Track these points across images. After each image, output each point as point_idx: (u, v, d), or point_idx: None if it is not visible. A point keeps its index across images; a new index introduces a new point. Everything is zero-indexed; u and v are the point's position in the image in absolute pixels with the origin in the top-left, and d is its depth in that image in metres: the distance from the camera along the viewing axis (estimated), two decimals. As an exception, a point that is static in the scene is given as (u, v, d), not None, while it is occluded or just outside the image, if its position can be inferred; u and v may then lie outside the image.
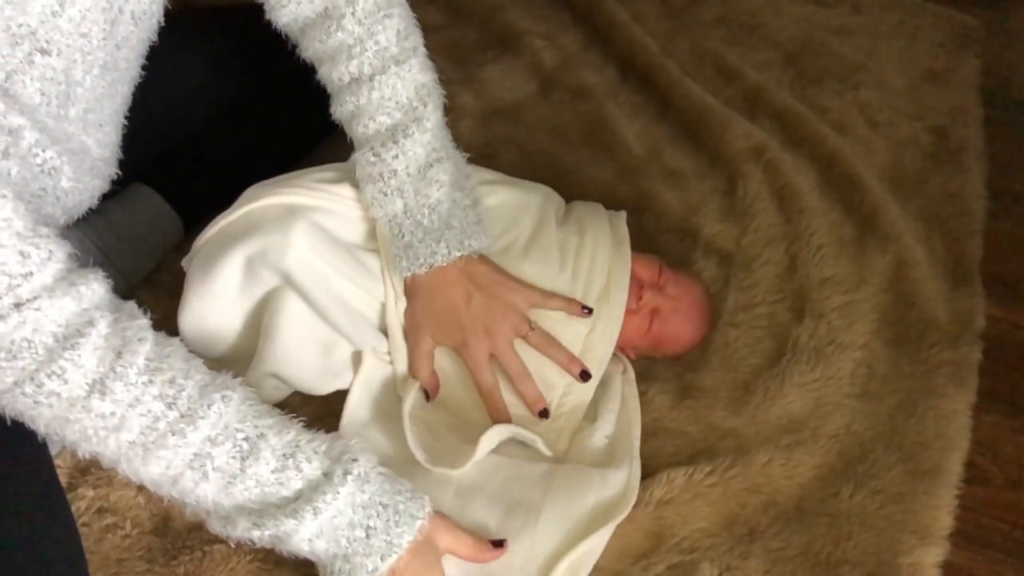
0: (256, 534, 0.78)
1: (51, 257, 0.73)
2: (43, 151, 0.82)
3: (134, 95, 0.94)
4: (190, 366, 0.78)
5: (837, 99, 1.37)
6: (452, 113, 1.30)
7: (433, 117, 0.95)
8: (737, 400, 1.03)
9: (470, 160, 1.00)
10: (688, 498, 0.94)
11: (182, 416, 0.76)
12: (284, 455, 0.78)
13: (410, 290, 0.96)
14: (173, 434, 0.75)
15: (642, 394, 1.03)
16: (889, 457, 0.98)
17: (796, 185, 1.21)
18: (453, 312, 0.95)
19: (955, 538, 0.94)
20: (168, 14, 0.90)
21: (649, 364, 1.06)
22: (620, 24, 1.46)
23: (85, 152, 0.88)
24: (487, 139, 1.30)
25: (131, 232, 1.07)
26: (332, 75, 0.94)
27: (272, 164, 1.05)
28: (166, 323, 1.02)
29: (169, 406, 0.75)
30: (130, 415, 0.74)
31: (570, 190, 1.13)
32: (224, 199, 0.98)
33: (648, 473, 0.96)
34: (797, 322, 1.09)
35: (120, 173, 0.97)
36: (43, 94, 0.79)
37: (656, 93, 1.37)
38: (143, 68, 0.92)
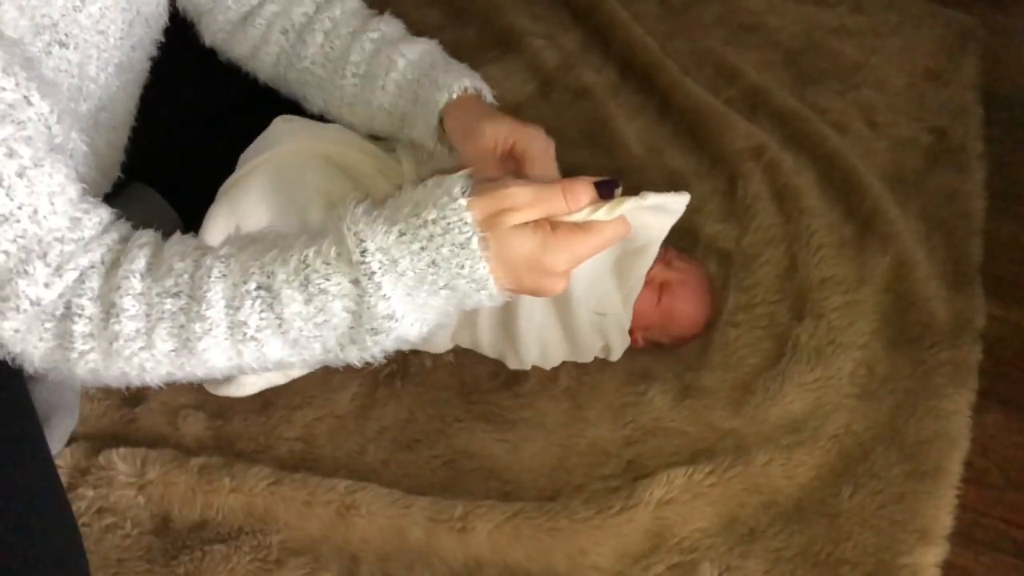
0: (376, 354, 0.72)
1: (104, 229, 0.73)
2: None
3: (140, 100, 0.95)
4: (186, 246, 0.74)
5: (837, 99, 1.37)
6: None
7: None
8: (737, 400, 1.03)
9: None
10: (688, 498, 0.94)
11: (192, 298, 0.70)
12: (301, 284, 0.70)
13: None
14: (195, 322, 0.70)
15: (642, 394, 1.03)
16: (889, 457, 0.98)
17: (796, 185, 1.21)
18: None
19: (955, 538, 0.94)
20: (171, 15, 0.91)
21: (649, 364, 1.06)
22: (620, 24, 1.46)
23: (94, 153, 0.89)
24: (487, 139, 1.30)
25: (131, 232, 1.07)
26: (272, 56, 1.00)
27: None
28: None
29: (176, 296, 0.71)
30: (151, 324, 0.71)
31: (570, 190, 1.13)
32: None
33: (648, 473, 0.96)
34: (797, 322, 1.09)
35: (122, 176, 0.97)
36: (55, 84, 0.79)
37: (656, 93, 1.37)
38: (149, 72, 0.93)
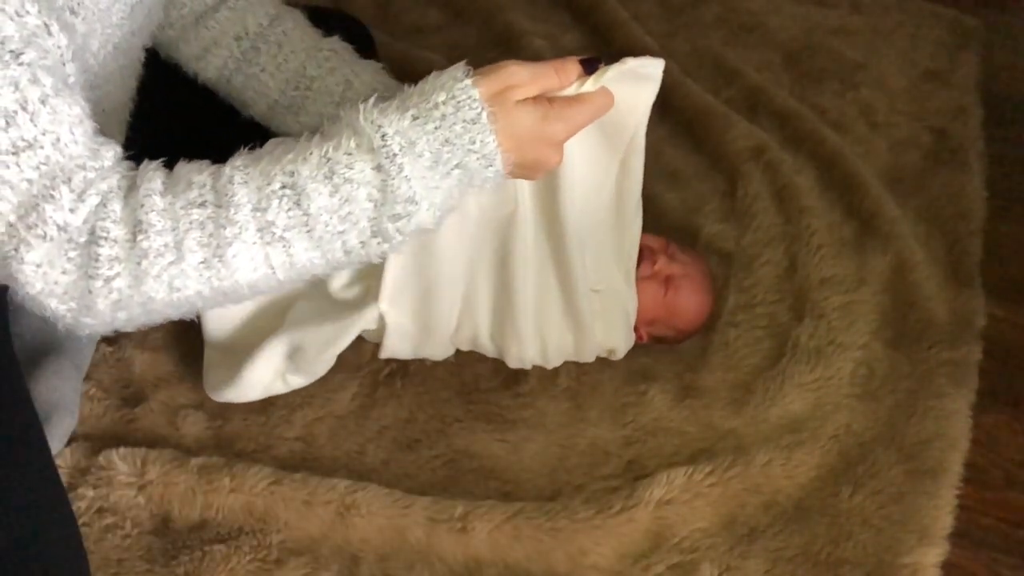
0: (396, 245, 0.75)
1: (118, 161, 0.74)
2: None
3: (137, 93, 0.95)
4: (199, 164, 0.75)
5: (837, 99, 1.37)
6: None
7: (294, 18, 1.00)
8: (737, 400, 1.03)
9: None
10: (688, 498, 0.94)
11: (218, 205, 0.72)
12: (325, 177, 0.73)
13: None
14: (224, 227, 0.72)
15: (642, 394, 1.03)
16: (889, 457, 0.98)
17: (796, 185, 1.21)
18: None
19: (955, 538, 0.94)
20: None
21: (649, 364, 1.06)
22: (620, 24, 1.46)
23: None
24: (487, 139, 1.30)
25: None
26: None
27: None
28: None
29: (202, 206, 0.72)
30: (180, 237, 0.71)
31: (570, 190, 1.13)
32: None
33: (648, 473, 0.96)
34: (797, 322, 1.09)
35: None
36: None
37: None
38: (143, 65, 0.93)
